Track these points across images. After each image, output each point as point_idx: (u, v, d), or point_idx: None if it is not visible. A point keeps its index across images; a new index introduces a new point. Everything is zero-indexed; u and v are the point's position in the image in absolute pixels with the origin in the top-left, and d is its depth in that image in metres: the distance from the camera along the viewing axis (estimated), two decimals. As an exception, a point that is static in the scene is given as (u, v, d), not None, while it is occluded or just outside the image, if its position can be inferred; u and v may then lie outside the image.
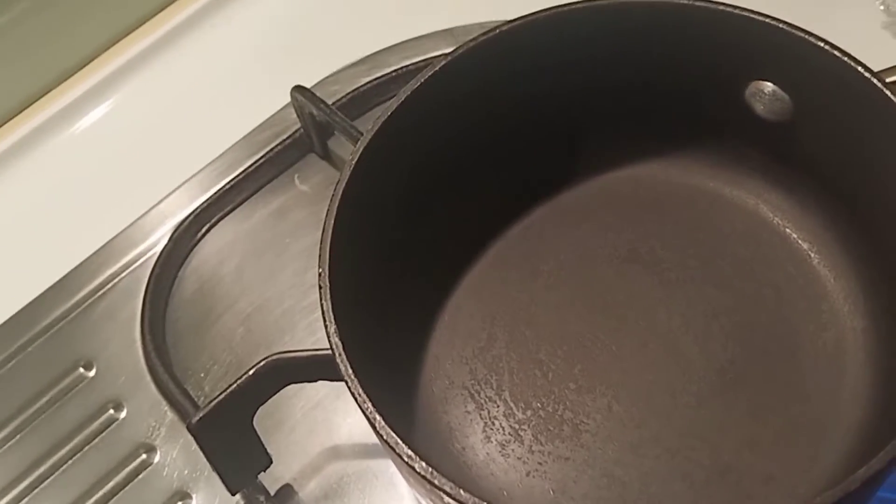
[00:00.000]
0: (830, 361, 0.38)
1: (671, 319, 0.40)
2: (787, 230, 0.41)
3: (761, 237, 0.41)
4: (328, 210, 0.34)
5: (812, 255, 0.40)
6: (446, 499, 0.29)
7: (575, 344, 0.40)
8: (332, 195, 0.34)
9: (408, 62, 0.52)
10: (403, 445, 0.29)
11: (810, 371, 0.38)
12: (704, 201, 0.42)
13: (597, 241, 0.42)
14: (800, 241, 0.41)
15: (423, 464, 0.29)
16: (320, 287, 0.32)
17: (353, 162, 0.34)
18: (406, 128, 0.37)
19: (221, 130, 0.52)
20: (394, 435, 0.29)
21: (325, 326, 0.31)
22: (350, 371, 0.30)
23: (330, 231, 0.33)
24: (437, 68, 0.36)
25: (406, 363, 0.39)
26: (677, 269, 0.41)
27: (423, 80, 0.35)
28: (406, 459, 0.29)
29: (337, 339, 0.31)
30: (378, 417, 0.30)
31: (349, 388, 0.30)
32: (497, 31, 0.37)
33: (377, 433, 0.30)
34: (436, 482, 0.29)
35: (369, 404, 0.30)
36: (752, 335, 0.39)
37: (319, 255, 0.33)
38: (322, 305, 0.32)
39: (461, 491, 0.28)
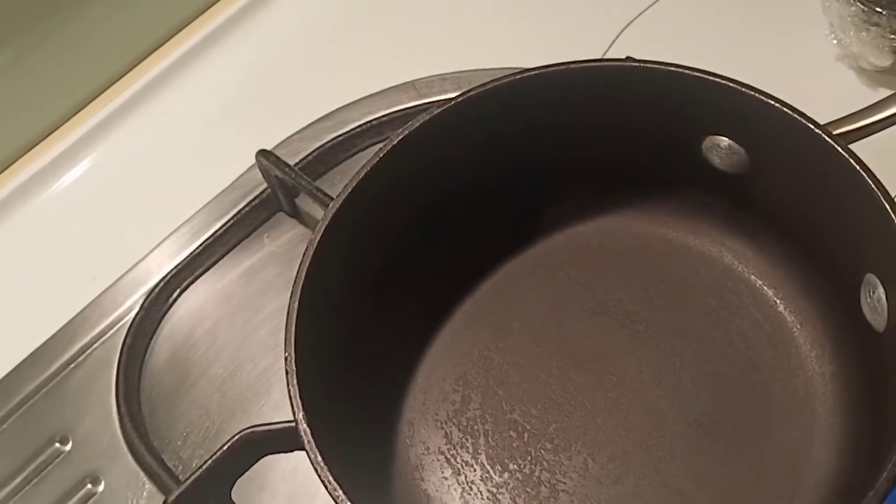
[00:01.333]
0: (801, 408, 0.38)
1: (642, 372, 0.40)
2: (752, 277, 0.41)
3: (726, 285, 0.41)
4: (292, 292, 0.34)
5: (777, 301, 0.41)
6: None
7: (548, 402, 0.40)
8: (296, 276, 0.34)
9: (371, 117, 0.52)
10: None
11: (781, 418, 0.38)
12: (669, 251, 0.42)
13: (565, 296, 0.42)
14: (765, 288, 0.41)
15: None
16: (287, 372, 0.32)
17: (316, 241, 0.35)
18: (364, 205, 0.37)
19: (190, 193, 0.52)
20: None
21: (293, 413, 0.31)
22: (320, 459, 0.30)
23: (294, 314, 0.33)
24: (395, 142, 0.36)
25: (381, 431, 0.39)
26: (646, 321, 0.41)
27: (379, 158, 0.36)
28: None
29: (305, 426, 0.31)
30: (350, 507, 0.30)
31: (319, 476, 0.30)
32: (460, 98, 0.37)
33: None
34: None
35: (340, 493, 0.30)
36: (723, 385, 0.39)
37: (285, 339, 0.33)
38: (289, 392, 0.32)
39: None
